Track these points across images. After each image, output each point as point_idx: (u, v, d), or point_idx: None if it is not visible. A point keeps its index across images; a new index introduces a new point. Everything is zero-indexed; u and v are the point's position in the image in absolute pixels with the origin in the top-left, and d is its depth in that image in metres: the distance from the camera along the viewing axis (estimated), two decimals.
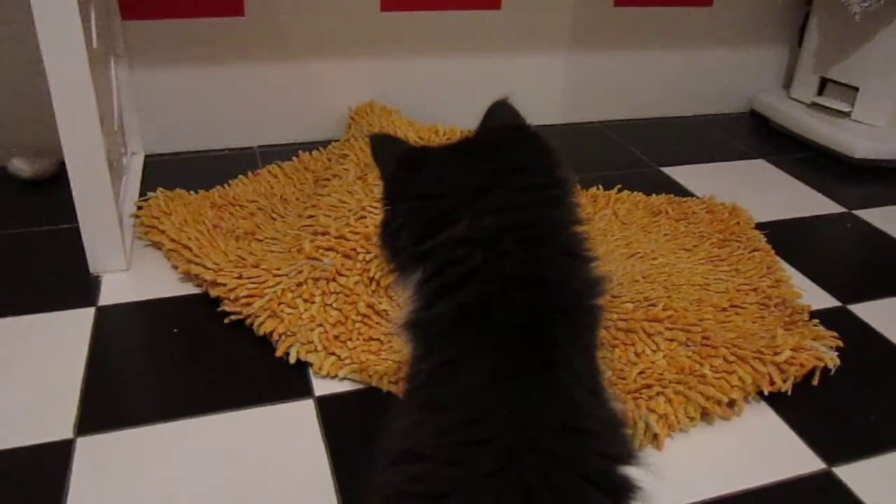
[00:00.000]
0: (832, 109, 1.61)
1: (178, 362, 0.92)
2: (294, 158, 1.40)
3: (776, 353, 0.90)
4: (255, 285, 0.97)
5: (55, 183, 1.30)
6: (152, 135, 1.42)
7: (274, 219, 1.20)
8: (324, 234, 1.05)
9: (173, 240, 1.09)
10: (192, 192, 1.24)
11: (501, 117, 0.63)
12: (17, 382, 0.87)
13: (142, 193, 1.27)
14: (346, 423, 0.84)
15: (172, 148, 1.45)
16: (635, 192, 1.34)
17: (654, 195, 1.34)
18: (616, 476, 0.49)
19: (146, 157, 1.42)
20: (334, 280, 0.98)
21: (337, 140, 1.48)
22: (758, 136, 1.70)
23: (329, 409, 0.85)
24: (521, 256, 0.53)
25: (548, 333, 0.52)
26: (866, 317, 1.07)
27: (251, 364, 0.91)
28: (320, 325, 0.93)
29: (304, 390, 0.88)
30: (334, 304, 0.95)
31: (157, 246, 1.12)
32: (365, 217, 1.04)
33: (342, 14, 1.42)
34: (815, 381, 0.92)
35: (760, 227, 1.27)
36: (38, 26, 0.91)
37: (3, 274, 1.08)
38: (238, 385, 0.88)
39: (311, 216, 1.15)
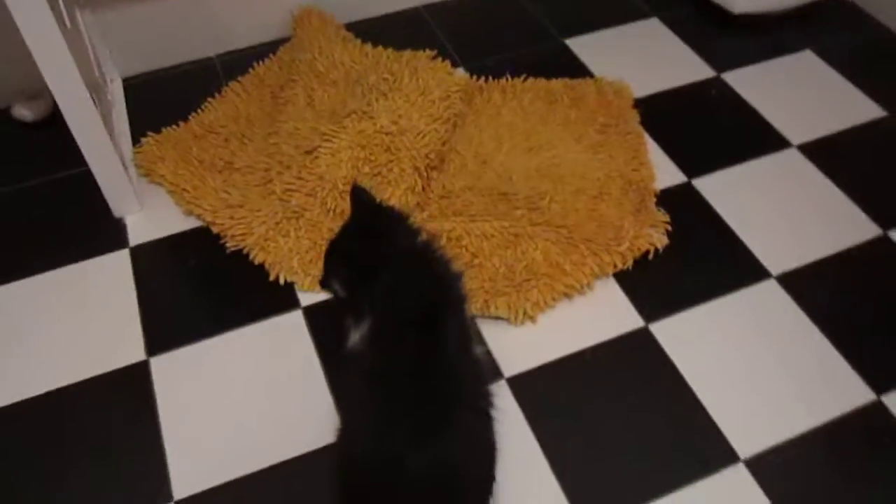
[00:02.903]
0: None
1: (203, 289, 1.29)
2: (250, 70, 1.64)
3: (619, 245, 1.28)
4: (244, 226, 1.31)
5: (56, 123, 1.55)
6: (126, 61, 1.64)
7: (245, 143, 1.49)
8: (287, 167, 1.37)
9: (172, 183, 1.40)
10: (174, 126, 1.52)
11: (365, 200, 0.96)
12: (86, 322, 1.24)
13: (131, 123, 1.54)
14: (327, 325, 1.23)
15: (146, 68, 1.67)
16: (538, 79, 1.61)
17: (553, 80, 1.61)
18: (481, 403, 0.90)
19: (124, 80, 1.65)
20: (302, 216, 1.31)
21: (284, 39, 1.71)
22: None
23: (313, 316, 1.25)
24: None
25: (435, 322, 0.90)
26: (706, 190, 1.42)
27: (254, 285, 1.28)
28: (297, 253, 1.29)
29: (294, 303, 1.26)
30: (305, 236, 1.30)
31: (158, 184, 1.43)
32: (317, 157, 1.34)
33: None
34: (651, 257, 1.30)
35: (639, 102, 1.57)
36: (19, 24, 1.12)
37: (41, 228, 1.39)
38: (249, 303, 1.26)
39: (274, 143, 1.44)
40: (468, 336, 0.95)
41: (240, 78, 1.63)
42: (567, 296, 1.25)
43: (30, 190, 1.46)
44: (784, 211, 1.39)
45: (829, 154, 1.48)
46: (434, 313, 0.90)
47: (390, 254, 0.92)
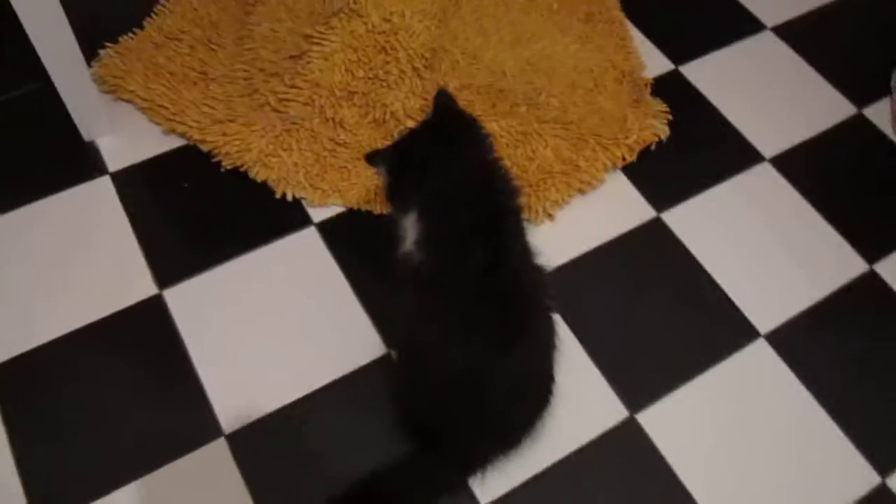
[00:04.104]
0: None
1: (204, 213, 1.20)
2: None
3: (627, 138, 1.29)
4: (239, 141, 1.22)
5: None
6: None
7: (214, 50, 1.36)
8: (273, 74, 1.27)
9: (145, 99, 1.28)
10: (129, 34, 1.36)
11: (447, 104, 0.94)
12: (80, 258, 1.14)
13: (80, 37, 1.37)
14: (343, 238, 1.19)
15: None
16: None
17: None
18: (547, 309, 0.92)
19: None
20: (302, 127, 1.24)
21: None
22: None
23: (327, 230, 1.20)
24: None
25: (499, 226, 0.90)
26: (694, 77, 1.44)
27: (259, 205, 1.21)
28: (303, 167, 1.22)
29: (306, 220, 1.21)
30: (307, 148, 1.23)
31: (126, 101, 1.30)
32: (309, 62, 1.25)
33: None
34: (653, 148, 1.32)
35: None
36: None
37: (5, 156, 1.24)
38: (256, 224, 1.19)
39: (250, 48, 1.33)
40: (527, 245, 0.95)
41: None
42: (581, 191, 1.26)
43: None
44: (767, 94, 1.43)
45: (801, 35, 1.51)
46: (491, 222, 0.89)
47: (452, 157, 0.90)
